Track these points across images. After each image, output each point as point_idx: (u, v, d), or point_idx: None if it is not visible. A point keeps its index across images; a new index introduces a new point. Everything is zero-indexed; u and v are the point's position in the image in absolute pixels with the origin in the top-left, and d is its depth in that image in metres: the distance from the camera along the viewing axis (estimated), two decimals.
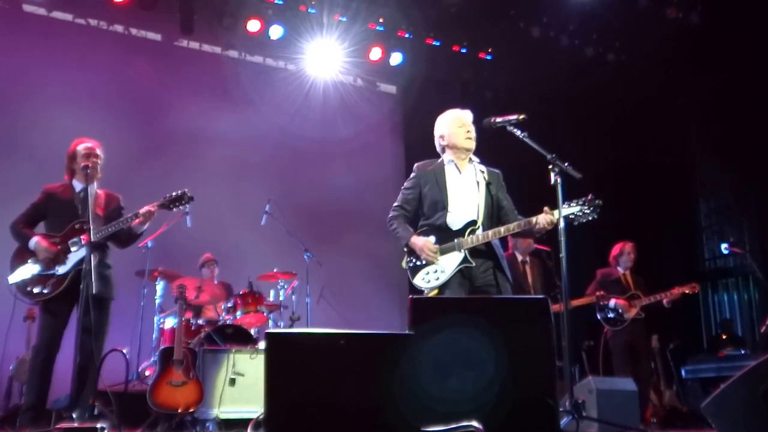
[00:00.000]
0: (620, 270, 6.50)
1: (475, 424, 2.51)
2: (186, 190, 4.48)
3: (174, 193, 4.45)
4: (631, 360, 6.31)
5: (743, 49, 7.52)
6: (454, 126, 3.96)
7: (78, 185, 4.48)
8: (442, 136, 4.02)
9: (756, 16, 7.16)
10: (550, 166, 3.68)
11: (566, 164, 3.69)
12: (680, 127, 8.60)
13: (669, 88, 8.32)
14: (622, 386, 4.85)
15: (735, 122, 7.82)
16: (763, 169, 7.55)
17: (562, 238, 3.63)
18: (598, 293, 6.40)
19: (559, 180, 3.67)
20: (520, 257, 6.12)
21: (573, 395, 3.75)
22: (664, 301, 6.24)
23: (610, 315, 6.30)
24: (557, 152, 3.71)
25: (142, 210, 4.35)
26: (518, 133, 3.81)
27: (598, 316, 6.36)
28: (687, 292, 6.30)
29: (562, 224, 3.64)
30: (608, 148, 8.25)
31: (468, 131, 3.93)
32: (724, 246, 7.48)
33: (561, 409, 3.29)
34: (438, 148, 4.06)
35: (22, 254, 4.30)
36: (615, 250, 6.58)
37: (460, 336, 2.67)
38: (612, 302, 6.28)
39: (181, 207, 4.51)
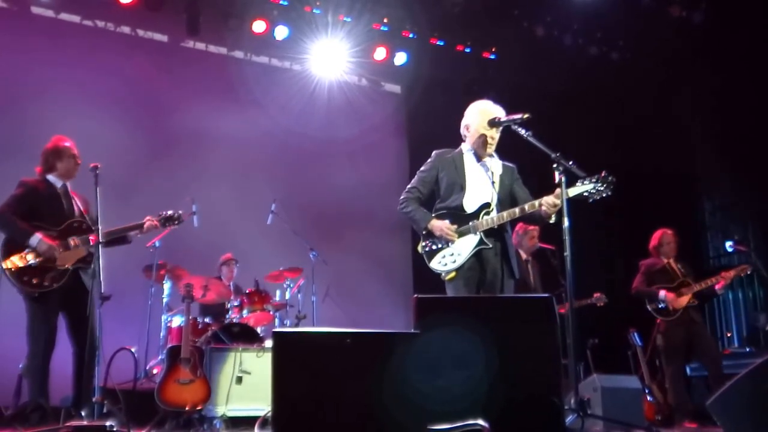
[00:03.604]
0: (664, 259, 6.21)
1: (481, 422, 2.53)
2: (180, 212, 4.80)
3: (168, 212, 4.74)
4: (687, 353, 6.04)
5: (747, 46, 7.51)
6: (484, 121, 3.99)
7: (57, 182, 4.53)
8: (467, 126, 4.07)
9: (760, 14, 7.14)
10: (555, 165, 3.70)
11: (570, 163, 3.71)
12: (684, 125, 8.59)
13: (673, 86, 8.32)
14: (627, 384, 4.86)
15: (739, 120, 7.81)
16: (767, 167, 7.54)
17: (567, 237, 3.64)
18: (596, 295, 6.36)
19: (563, 178, 3.69)
20: (523, 255, 6.08)
21: (578, 393, 3.76)
22: (716, 287, 5.92)
23: (661, 306, 5.99)
24: (561, 151, 3.73)
25: (147, 224, 4.59)
26: (523, 132, 3.83)
27: (649, 308, 6.08)
28: (741, 275, 5.98)
29: (566, 223, 3.65)
30: (612, 146, 8.25)
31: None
32: (728, 244, 7.41)
33: (566, 407, 3.31)
34: (462, 135, 4.12)
35: (13, 245, 4.27)
36: (654, 240, 6.27)
37: (465, 335, 2.69)
38: (662, 294, 5.96)
39: (171, 226, 4.80)
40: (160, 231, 4.97)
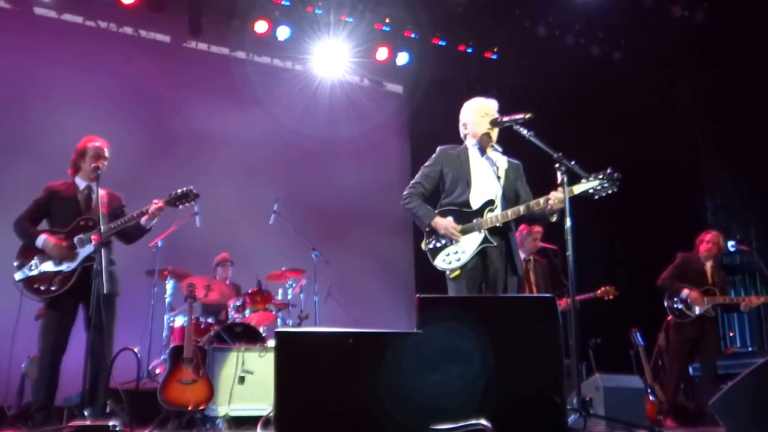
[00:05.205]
0: (703, 260, 6.11)
1: (483, 422, 2.53)
2: (192, 187, 4.51)
3: (180, 190, 4.49)
4: (688, 357, 6.01)
5: (749, 45, 7.51)
6: (478, 115, 4.02)
7: (81, 183, 4.53)
8: (465, 124, 4.09)
9: (762, 13, 7.14)
10: (557, 165, 3.70)
11: (572, 163, 3.71)
12: (686, 125, 8.59)
13: (675, 86, 8.31)
14: (629, 384, 4.86)
15: (741, 119, 7.81)
16: None
17: (569, 237, 3.64)
18: (605, 288, 6.32)
19: (565, 179, 3.69)
20: (523, 255, 6.02)
21: (580, 393, 3.76)
22: (742, 305, 5.90)
23: (677, 305, 5.92)
24: (563, 151, 3.73)
25: (151, 208, 4.41)
26: (524, 132, 3.83)
27: (665, 303, 6.01)
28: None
29: (568, 223, 3.65)
30: (614, 145, 8.22)
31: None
32: (730, 243, 7.39)
33: (568, 407, 3.31)
34: (461, 135, 4.13)
35: (28, 252, 4.33)
36: (698, 238, 6.18)
37: (468, 335, 2.69)
38: (684, 293, 5.89)
39: (187, 204, 4.55)
40: (172, 213, 4.76)
